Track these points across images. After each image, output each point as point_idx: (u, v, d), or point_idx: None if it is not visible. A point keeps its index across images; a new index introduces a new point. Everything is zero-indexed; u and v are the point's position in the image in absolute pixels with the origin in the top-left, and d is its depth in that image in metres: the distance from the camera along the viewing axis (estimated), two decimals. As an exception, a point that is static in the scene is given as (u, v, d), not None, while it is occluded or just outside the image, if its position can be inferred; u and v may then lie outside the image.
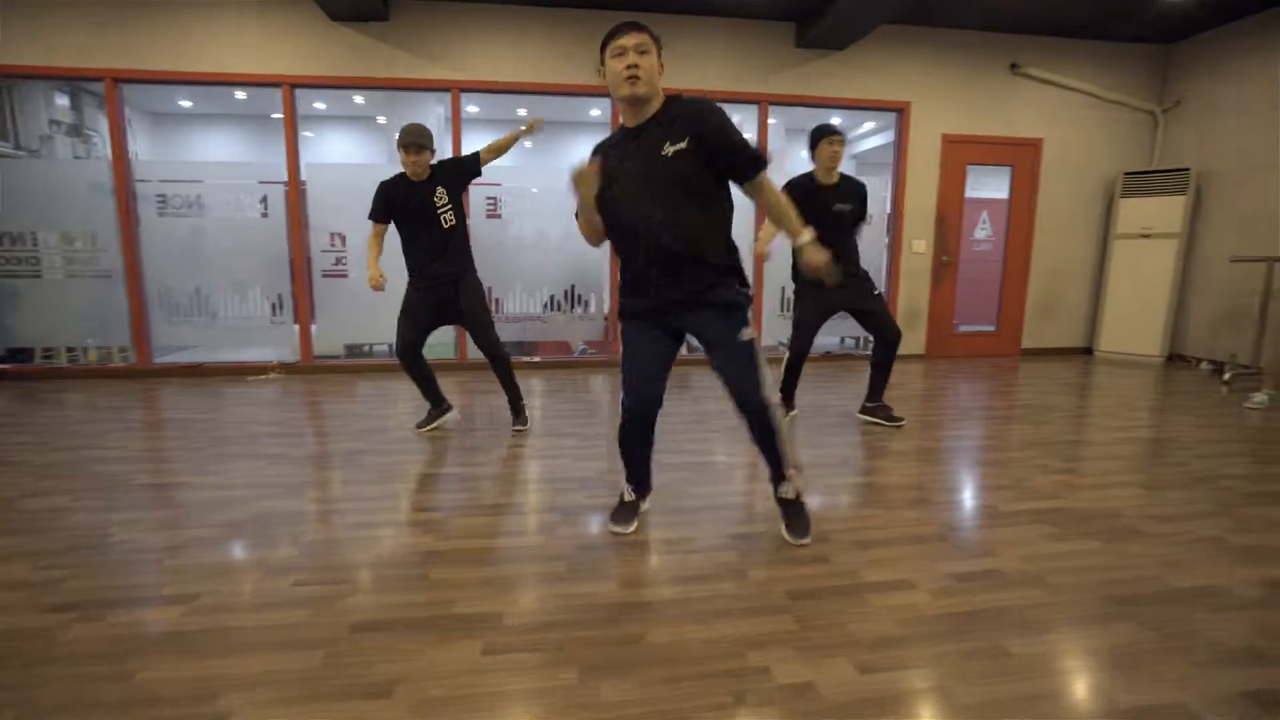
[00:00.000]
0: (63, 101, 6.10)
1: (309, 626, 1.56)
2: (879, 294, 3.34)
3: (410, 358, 3.15)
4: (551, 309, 5.31)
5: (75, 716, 1.26)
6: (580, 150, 8.63)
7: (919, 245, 5.52)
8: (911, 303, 5.61)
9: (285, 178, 4.80)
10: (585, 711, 1.27)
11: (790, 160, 8.29)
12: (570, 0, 4.69)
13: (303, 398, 4.16)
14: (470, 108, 7.16)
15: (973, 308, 6.17)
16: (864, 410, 3.53)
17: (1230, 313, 5.10)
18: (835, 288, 2.93)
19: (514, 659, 1.44)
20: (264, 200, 4.81)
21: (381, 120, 7.87)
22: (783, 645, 1.49)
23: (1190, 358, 5.42)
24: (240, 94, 6.35)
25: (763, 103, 5.14)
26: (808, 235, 1.89)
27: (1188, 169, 5.21)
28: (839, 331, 5.80)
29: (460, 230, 3.15)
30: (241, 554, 1.96)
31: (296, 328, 4.98)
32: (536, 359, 5.36)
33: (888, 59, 5.18)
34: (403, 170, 3.05)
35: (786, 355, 3.43)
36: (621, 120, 1.89)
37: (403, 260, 3.13)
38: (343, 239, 4.91)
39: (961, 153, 5.47)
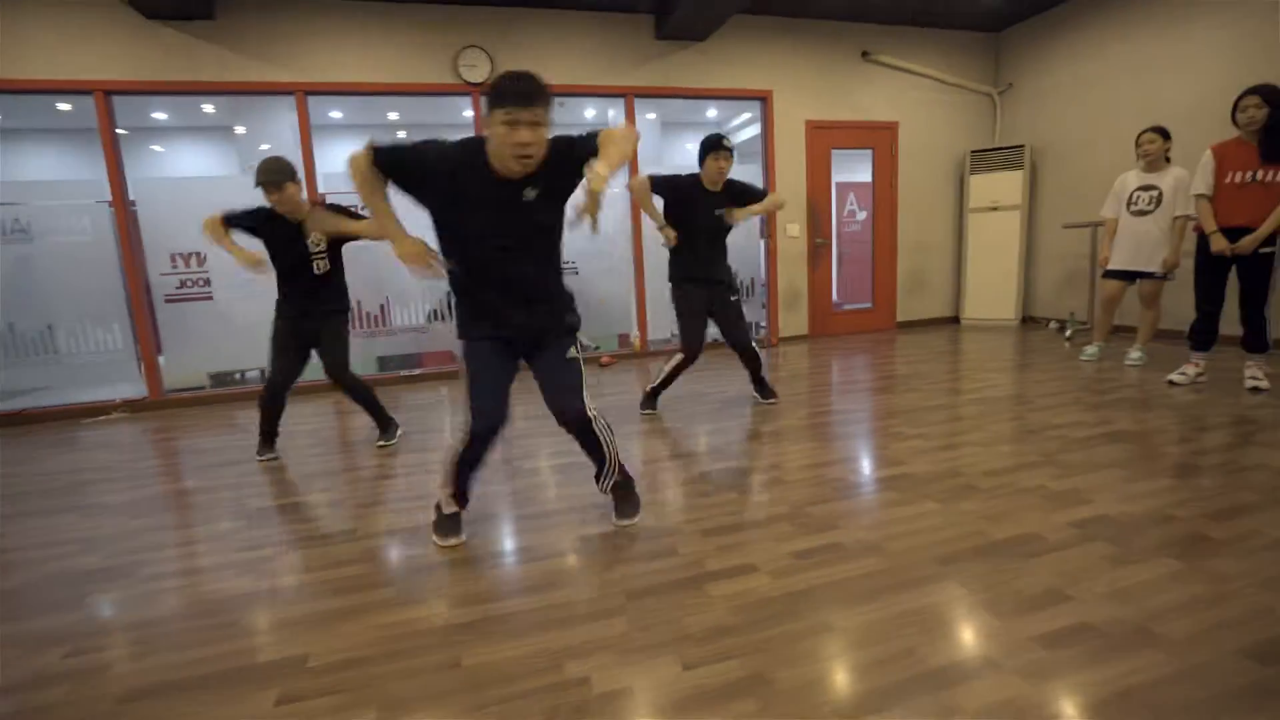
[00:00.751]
0: None
1: (67, 706, 1.34)
2: (737, 301, 3.36)
3: (274, 396, 2.97)
4: (433, 320, 5.09)
5: None
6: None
7: (793, 229, 5.69)
8: (791, 285, 5.78)
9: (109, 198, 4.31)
10: (375, 757, 1.15)
11: (668, 156, 8.39)
12: (415, -5, 4.49)
13: (145, 437, 3.75)
14: (334, 113, 6.75)
15: (851, 287, 6.45)
16: (762, 399, 3.62)
17: (1069, 275, 5.58)
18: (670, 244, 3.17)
19: (309, 705, 1.30)
20: (90, 222, 4.30)
21: (240, 130, 7.29)
22: (607, 650, 1.43)
23: (1040, 319, 5.89)
24: (64, 105, 5.68)
25: (629, 95, 5.12)
26: (602, 169, 1.64)
27: (1023, 145, 5.65)
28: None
29: (335, 277, 2.97)
30: (5, 628, 1.69)
31: (141, 362, 4.50)
32: (418, 371, 5.11)
33: (748, 49, 5.29)
34: None
35: (678, 358, 3.33)
36: (491, 162, 1.73)
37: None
38: (189, 259, 4.47)
39: (825, 138, 5.68)
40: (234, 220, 2.83)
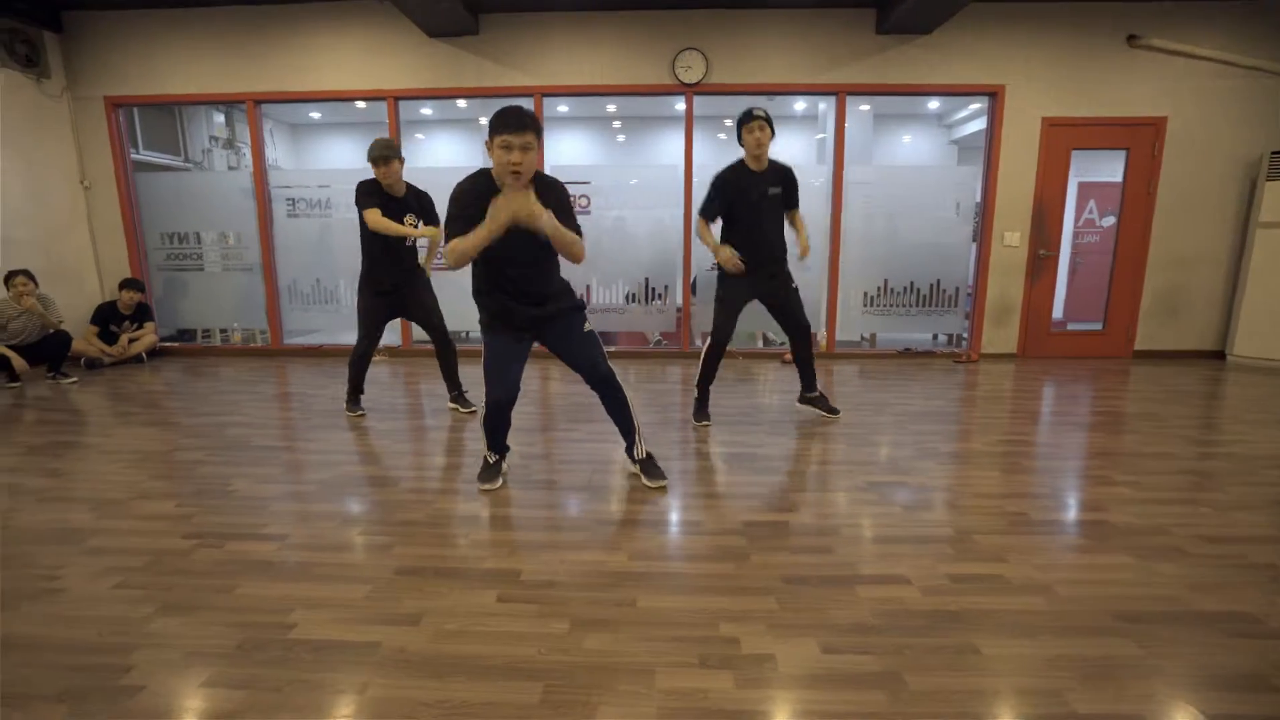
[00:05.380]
0: (219, 119, 7.11)
1: (363, 566, 1.89)
2: (795, 289, 3.28)
3: (364, 358, 3.51)
4: (629, 302, 5.54)
5: (191, 614, 1.65)
6: (669, 143, 8.77)
7: (1012, 238, 5.21)
8: (1003, 298, 5.31)
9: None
10: (565, 655, 1.49)
11: (879, 150, 8.00)
12: (640, 3, 4.85)
13: (399, 379, 4.68)
14: (560, 108, 7.53)
15: (1077, 304, 5.73)
16: (803, 400, 3.53)
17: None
18: (741, 274, 3.11)
19: (519, 608, 1.68)
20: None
21: (483, 121, 8.46)
22: (757, 621, 1.63)
23: (1343, 366, 4.74)
24: (360, 104, 7.10)
25: (840, 93, 5.05)
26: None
27: (1348, 149, 4.54)
28: (927, 329, 5.59)
29: (415, 251, 3.46)
30: (326, 506, 2.35)
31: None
32: (613, 349, 5.63)
33: (978, 40, 4.91)
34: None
35: (706, 344, 3.28)
36: (497, 182, 2.14)
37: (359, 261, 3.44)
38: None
39: (1065, 137, 5.08)
40: (370, 201, 3.17)
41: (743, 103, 3.17)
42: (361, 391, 3.62)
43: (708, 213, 3.16)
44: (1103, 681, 1.42)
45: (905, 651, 1.52)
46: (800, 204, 3.31)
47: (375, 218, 3.16)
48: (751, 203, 3.12)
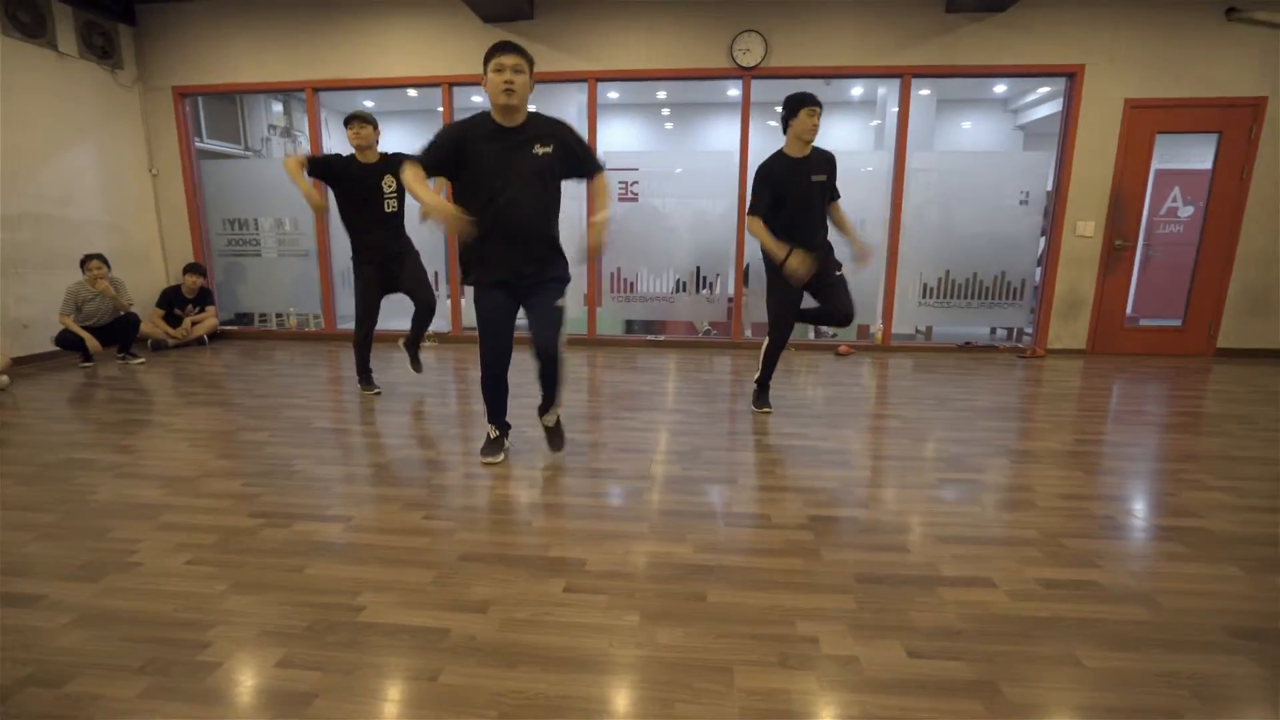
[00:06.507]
0: (277, 108, 7.28)
1: (428, 551, 1.88)
2: (841, 274, 3.15)
3: (367, 343, 3.62)
4: (679, 291, 5.46)
5: (262, 592, 1.66)
6: (719, 130, 8.60)
7: (1085, 228, 4.92)
8: (1072, 291, 5.04)
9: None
10: (639, 649, 1.44)
11: (941, 136, 7.69)
12: (703, -15, 4.74)
13: (449, 365, 4.71)
14: (610, 94, 7.46)
15: (1153, 299, 5.39)
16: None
17: None
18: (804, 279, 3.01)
19: (588, 599, 1.64)
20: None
21: (532, 108, 8.45)
22: (836, 621, 1.55)
23: None
24: (411, 92, 7.16)
25: (905, 75, 4.84)
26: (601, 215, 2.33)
27: None
28: (990, 322, 5.36)
29: (401, 217, 3.50)
30: (386, 489, 2.36)
31: (448, 302, 5.61)
32: (662, 338, 5.57)
33: (1058, 17, 4.64)
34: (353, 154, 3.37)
35: (765, 343, 3.25)
36: (494, 117, 2.25)
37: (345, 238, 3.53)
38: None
39: (1150, 120, 4.77)
40: (314, 164, 3.33)
41: (801, 86, 3.04)
42: (369, 370, 3.74)
43: (758, 209, 3.06)
44: (1224, 702, 1.30)
45: (998, 659, 1.42)
46: (844, 195, 3.22)
47: (289, 163, 3.28)
48: (801, 190, 3.06)
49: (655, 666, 1.38)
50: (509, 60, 2.16)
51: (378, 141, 3.41)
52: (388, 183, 3.42)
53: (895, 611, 1.59)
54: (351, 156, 3.40)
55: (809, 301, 3.21)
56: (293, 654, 1.41)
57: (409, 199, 3.51)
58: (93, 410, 3.48)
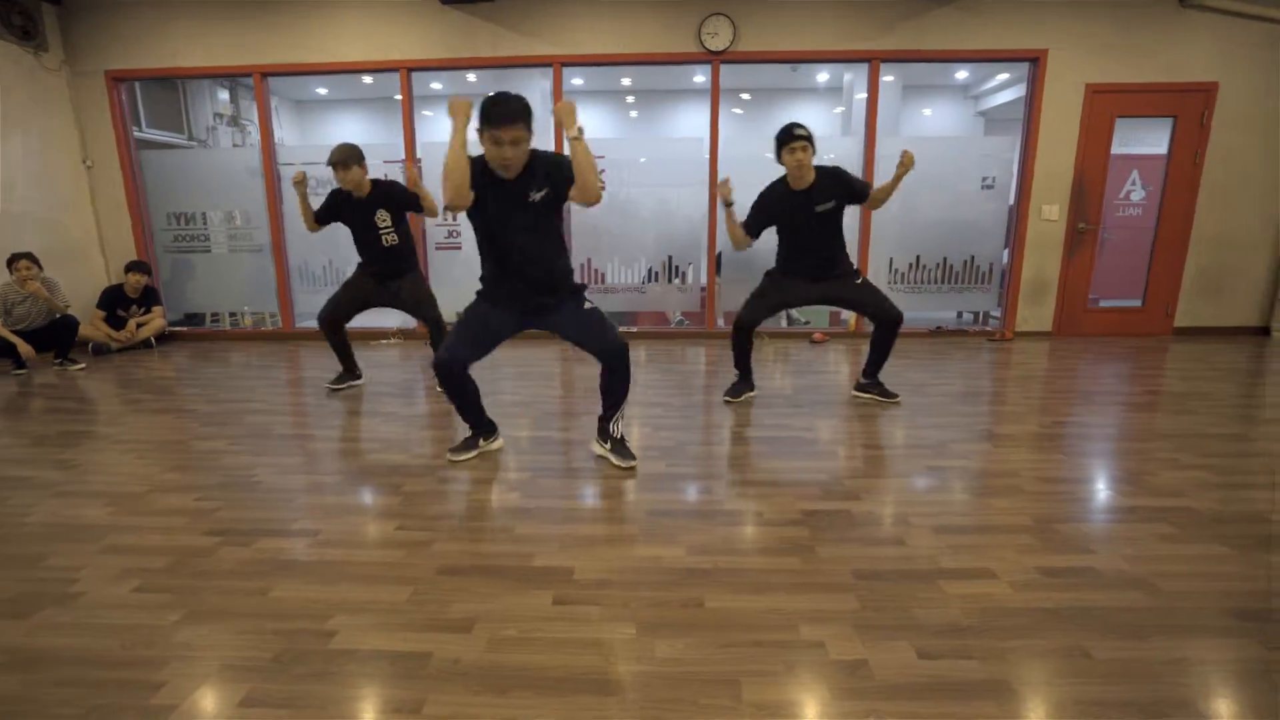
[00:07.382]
0: (223, 96, 6.90)
1: (404, 566, 1.75)
2: (863, 282, 3.15)
3: (333, 327, 3.51)
4: (650, 281, 5.36)
5: (221, 621, 1.51)
6: (683, 117, 8.51)
7: (1050, 211, 4.99)
8: (1039, 275, 5.11)
9: (403, 157, 5.16)
10: (639, 665, 1.35)
11: (906, 122, 7.74)
12: (670, -34, 4.61)
13: (416, 362, 4.53)
14: (574, 80, 7.27)
15: (1112, 281, 5.51)
16: (859, 388, 3.36)
17: None
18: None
19: (580, 611, 1.54)
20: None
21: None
22: (840, 622, 1.49)
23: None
24: (367, 79, 6.86)
25: (874, 60, 4.81)
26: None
27: None
28: (958, 306, 5.41)
29: (403, 246, 3.43)
30: (356, 499, 2.22)
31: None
32: (634, 329, 5.47)
33: (1021, 2, 4.66)
34: None
35: (734, 324, 3.23)
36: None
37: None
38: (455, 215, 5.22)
39: (1109, 105, 4.85)
40: (319, 215, 3.37)
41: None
42: (352, 357, 3.71)
43: (748, 228, 3.06)
44: (1234, 689, 1.28)
45: (1009, 656, 1.37)
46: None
47: (305, 214, 3.37)
48: (797, 224, 3.04)
49: (658, 683, 1.30)
50: (508, 135, 2.03)
51: (364, 175, 3.27)
52: (380, 217, 3.33)
53: (899, 609, 1.54)
54: (348, 193, 3.32)
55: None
56: (258, 690, 1.28)
57: (413, 216, 3.53)
58: (27, 422, 3.22)
